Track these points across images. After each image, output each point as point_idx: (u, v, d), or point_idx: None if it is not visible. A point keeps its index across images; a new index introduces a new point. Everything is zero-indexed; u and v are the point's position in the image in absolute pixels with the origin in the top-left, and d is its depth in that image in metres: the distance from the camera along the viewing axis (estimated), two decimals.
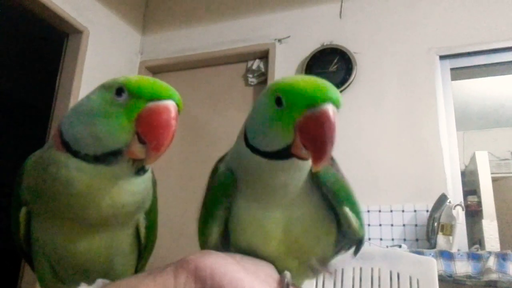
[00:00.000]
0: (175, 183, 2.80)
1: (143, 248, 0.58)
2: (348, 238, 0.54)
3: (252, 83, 2.87)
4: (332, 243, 0.53)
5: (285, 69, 2.72)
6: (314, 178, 0.48)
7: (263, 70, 2.82)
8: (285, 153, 0.44)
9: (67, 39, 2.69)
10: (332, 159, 0.51)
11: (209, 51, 2.96)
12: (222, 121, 2.85)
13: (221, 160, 0.54)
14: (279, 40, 2.80)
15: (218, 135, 2.83)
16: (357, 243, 0.56)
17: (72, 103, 2.47)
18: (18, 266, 2.34)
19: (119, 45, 2.96)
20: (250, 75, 2.86)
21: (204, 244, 0.52)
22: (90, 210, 0.48)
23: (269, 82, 2.73)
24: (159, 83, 0.47)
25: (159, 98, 0.46)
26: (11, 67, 4.00)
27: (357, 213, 0.51)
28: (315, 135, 0.41)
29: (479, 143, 4.17)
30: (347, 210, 0.49)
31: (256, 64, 2.84)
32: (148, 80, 0.48)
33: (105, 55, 2.79)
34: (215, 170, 0.53)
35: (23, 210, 0.52)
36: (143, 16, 3.30)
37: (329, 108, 0.42)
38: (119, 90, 0.47)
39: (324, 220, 0.51)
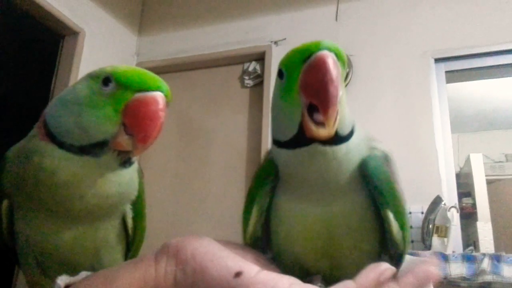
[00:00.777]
0: (171, 184, 2.79)
1: (131, 239, 0.57)
2: (388, 251, 0.48)
3: (248, 85, 2.87)
4: (372, 251, 0.47)
5: None
6: (363, 172, 0.44)
7: (259, 72, 2.83)
8: (303, 139, 0.40)
9: (62, 41, 2.68)
10: (387, 158, 0.47)
11: (205, 53, 2.96)
12: (218, 123, 2.85)
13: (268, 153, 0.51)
14: (275, 42, 2.80)
15: (214, 137, 2.83)
16: (396, 260, 0.48)
17: None
18: (13, 266, 2.33)
19: (115, 47, 2.96)
20: (246, 77, 2.86)
21: (244, 232, 0.50)
22: (74, 201, 0.47)
23: (265, 84, 2.74)
24: (147, 74, 0.47)
25: (147, 89, 0.45)
26: (5, 68, 3.98)
27: (402, 222, 0.45)
28: (316, 84, 0.38)
29: (474, 146, 4.19)
30: (390, 215, 0.44)
31: (252, 66, 2.84)
32: (136, 70, 0.47)
33: (101, 57, 2.79)
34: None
35: (5, 203, 0.51)
36: (139, 18, 3.29)
37: (329, 52, 0.39)
38: (106, 80, 0.46)
39: (368, 223, 0.46)
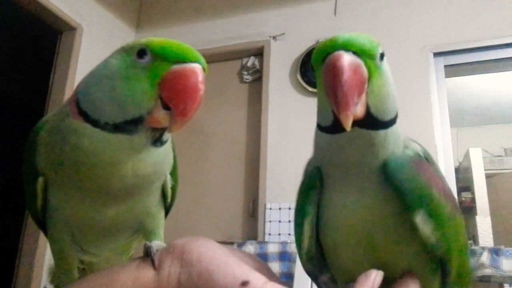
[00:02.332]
0: None
1: (168, 206, 0.58)
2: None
3: (247, 80, 2.86)
4: (420, 254, 0.43)
5: (280, 66, 2.72)
6: (385, 172, 0.42)
7: (258, 67, 2.82)
8: (340, 125, 0.40)
9: (60, 37, 2.67)
10: (418, 158, 0.44)
11: (204, 48, 2.94)
12: (217, 118, 2.84)
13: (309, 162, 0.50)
14: (274, 37, 2.79)
15: (213, 132, 2.83)
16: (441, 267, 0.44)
17: None
18: (13, 265, 2.33)
19: (113, 42, 2.95)
20: (245, 72, 2.86)
21: (299, 249, 0.48)
22: (113, 181, 0.46)
23: (264, 79, 2.73)
24: (184, 45, 0.45)
25: (185, 60, 0.43)
26: (3, 65, 3.97)
27: (436, 224, 0.41)
28: (329, 90, 0.38)
29: (473, 140, 4.19)
30: (418, 217, 0.41)
31: (251, 61, 2.84)
32: (173, 42, 0.45)
33: (99, 52, 2.78)
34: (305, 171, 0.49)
35: (40, 180, 0.50)
36: (137, 13, 3.28)
37: (339, 53, 0.39)
38: (141, 52, 0.44)
39: (404, 221, 0.42)
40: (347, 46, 0.40)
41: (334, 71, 0.38)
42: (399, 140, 0.44)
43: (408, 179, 0.41)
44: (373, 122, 0.41)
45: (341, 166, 0.43)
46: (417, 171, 0.42)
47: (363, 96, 0.40)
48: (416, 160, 0.44)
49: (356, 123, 0.39)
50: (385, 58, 0.44)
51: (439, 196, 0.43)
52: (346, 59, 0.39)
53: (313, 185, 0.46)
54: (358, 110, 0.39)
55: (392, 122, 0.42)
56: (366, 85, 0.40)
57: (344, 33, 0.41)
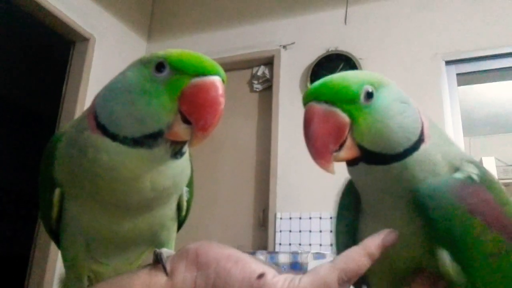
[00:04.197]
0: None
1: (182, 219, 0.58)
2: None
3: (257, 90, 2.87)
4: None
5: (290, 75, 2.72)
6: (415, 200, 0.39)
7: (268, 76, 2.83)
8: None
9: (73, 47, 2.71)
10: (473, 179, 0.39)
11: (214, 58, 2.87)
12: (227, 127, 2.85)
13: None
14: (284, 46, 2.80)
15: (223, 141, 2.83)
16: None
17: (78, 110, 2.48)
18: (24, 272, 2.35)
19: (125, 52, 2.98)
20: (255, 82, 2.87)
21: None
22: (132, 195, 0.45)
23: (274, 88, 2.73)
24: (204, 57, 0.44)
25: (204, 73, 0.43)
26: (17, 75, 4.03)
27: (464, 264, 0.37)
28: (304, 133, 0.41)
29: (486, 149, 4.14)
30: (443, 254, 0.37)
31: (261, 70, 2.84)
32: (192, 54, 0.44)
33: (111, 62, 2.81)
34: None
35: (57, 191, 0.49)
36: (148, 23, 3.32)
37: (309, 106, 0.41)
38: (159, 65, 0.43)
39: (433, 254, 0.38)
40: (317, 97, 0.40)
41: (304, 124, 0.40)
42: (438, 164, 0.40)
43: (441, 208, 0.37)
44: (379, 157, 0.39)
45: (369, 194, 0.43)
46: (457, 199, 0.37)
47: (348, 139, 0.39)
48: (461, 185, 0.38)
49: (363, 159, 0.40)
50: (384, 90, 0.41)
51: (483, 228, 0.37)
52: (315, 111, 0.39)
53: (347, 209, 0.46)
54: (344, 153, 0.39)
55: (410, 150, 0.39)
56: (346, 130, 0.39)
57: (321, 79, 0.41)
